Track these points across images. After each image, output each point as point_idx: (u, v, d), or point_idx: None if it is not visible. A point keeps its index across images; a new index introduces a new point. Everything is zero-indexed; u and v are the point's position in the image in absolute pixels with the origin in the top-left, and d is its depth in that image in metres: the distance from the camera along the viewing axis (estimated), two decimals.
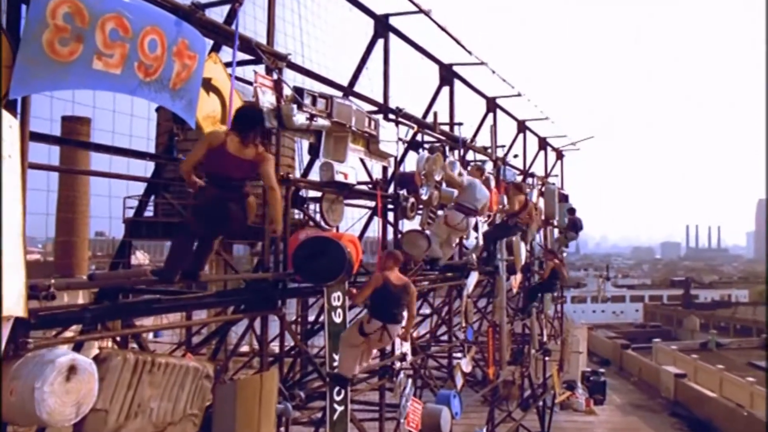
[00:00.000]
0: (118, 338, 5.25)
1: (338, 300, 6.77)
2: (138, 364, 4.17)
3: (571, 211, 16.46)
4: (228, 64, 5.71)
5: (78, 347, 4.54)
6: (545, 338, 16.03)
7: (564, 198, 16.92)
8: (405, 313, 6.53)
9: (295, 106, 5.88)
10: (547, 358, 16.57)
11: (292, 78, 6.32)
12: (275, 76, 5.91)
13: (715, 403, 22.46)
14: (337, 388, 6.63)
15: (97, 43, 3.94)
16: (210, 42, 5.49)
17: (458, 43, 9.36)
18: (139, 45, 4.24)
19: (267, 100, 5.70)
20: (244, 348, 11.52)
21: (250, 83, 6.11)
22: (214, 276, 7.02)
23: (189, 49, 4.71)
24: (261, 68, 5.96)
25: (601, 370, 26.41)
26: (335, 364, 6.68)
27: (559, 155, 18.86)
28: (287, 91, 5.94)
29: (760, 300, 67.48)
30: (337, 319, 6.78)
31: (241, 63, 6.10)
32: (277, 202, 4.86)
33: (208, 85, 5.23)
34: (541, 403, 16.47)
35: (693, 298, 70.63)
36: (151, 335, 12.88)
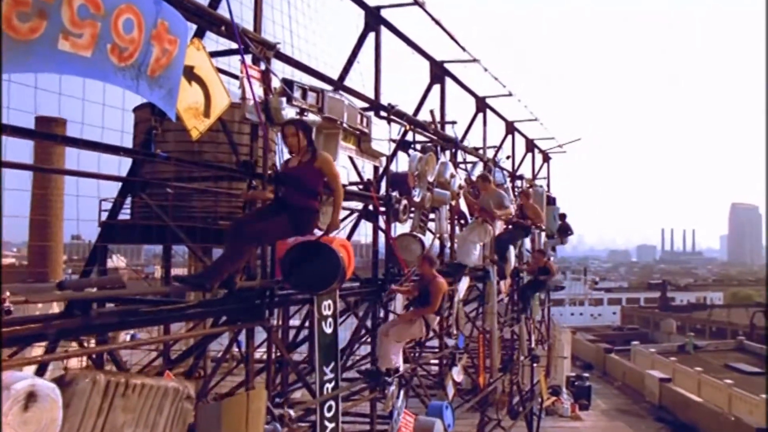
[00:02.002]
0: (90, 356, 4.72)
1: (329, 309, 6.30)
2: (109, 386, 3.67)
3: (562, 216, 16.23)
4: (215, 54, 5.26)
5: (43, 368, 4.02)
6: (533, 344, 15.73)
7: (551, 201, 16.66)
8: None
9: (284, 99, 5.42)
10: (535, 365, 16.28)
11: (280, 69, 5.86)
12: (263, 67, 5.44)
13: (701, 408, 22.39)
14: (328, 404, 6.17)
15: (64, 20, 3.43)
16: (193, 27, 5.03)
17: (452, 37, 8.97)
18: (113, 25, 3.74)
19: (254, 91, 5.23)
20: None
21: (235, 77, 5.65)
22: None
23: (169, 32, 4.22)
24: (247, 58, 5.49)
25: (586, 374, 26.24)
26: (326, 377, 6.22)
27: (546, 157, 18.62)
28: (276, 83, 5.48)
29: (735, 302, 68.46)
30: (328, 330, 6.30)
31: (225, 53, 5.63)
32: (340, 200, 5.35)
33: (191, 74, 4.73)
34: (529, 410, 16.16)
35: (669, 301, 71.26)
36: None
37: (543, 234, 16.48)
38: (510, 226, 11.21)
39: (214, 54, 5.38)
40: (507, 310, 13.71)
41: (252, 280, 5.18)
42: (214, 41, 5.20)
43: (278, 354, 6.59)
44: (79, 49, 3.58)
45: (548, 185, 18.37)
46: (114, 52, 3.80)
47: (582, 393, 22.55)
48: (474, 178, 10.80)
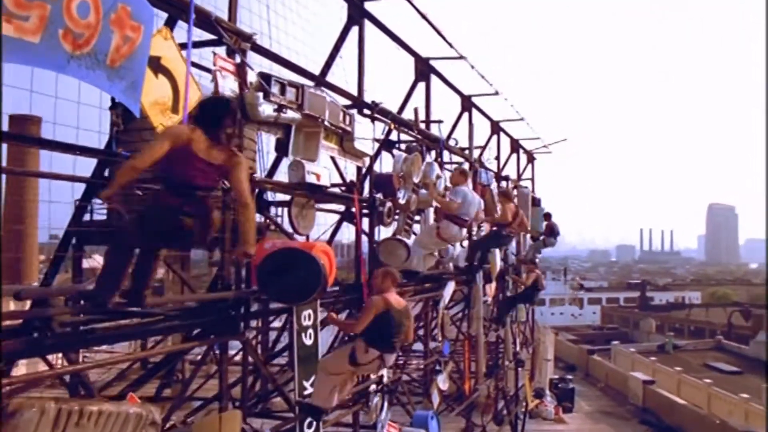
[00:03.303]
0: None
1: (309, 319, 5.92)
2: (61, 415, 3.25)
3: (547, 216, 15.92)
4: (184, 45, 4.83)
5: None
6: (518, 347, 15.47)
7: (536, 202, 16.40)
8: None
9: (260, 95, 5.03)
10: (520, 369, 16.02)
11: (257, 62, 5.45)
12: (238, 59, 5.03)
13: (685, 410, 22.32)
14: (308, 420, 5.78)
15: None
16: (162, 16, 4.61)
17: (438, 33, 8.62)
18: (65, 7, 3.33)
19: (228, 86, 4.83)
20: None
21: (208, 70, 5.23)
22: (164, 298, 6.04)
23: (132, 18, 3.81)
24: (222, 50, 5.09)
25: (569, 376, 26.09)
26: (306, 392, 5.83)
27: (531, 158, 18.37)
28: (252, 77, 5.08)
29: (713, 302, 69.28)
30: (308, 341, 5.92)
31: (197, 44, 5.21)
32: (250, 221, 3.99)
33: (157, 65, 4.32)
34: (514, 415, 15.90)
35: (648, 301, 71.85)
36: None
37: (528, 236, 16.23)
38: (494, 229, 10.63)
39: (185, 46, 4.98)
40: (492, 314, 13.40)
41: (226, 290, 4.77)
42: (184, 30, 4.78)
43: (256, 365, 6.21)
44: (25, 33, 3.16)
45: (533, 186, 18.13)
46: (67, 38, 3.39)
47: (565, 395, 22.34)
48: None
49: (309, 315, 5.91)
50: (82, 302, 3.85)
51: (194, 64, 5.30)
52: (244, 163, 4.03)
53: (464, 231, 8.57)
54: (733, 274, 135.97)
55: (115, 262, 3.82)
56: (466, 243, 10.77)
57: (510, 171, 16.23)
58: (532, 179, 18.46)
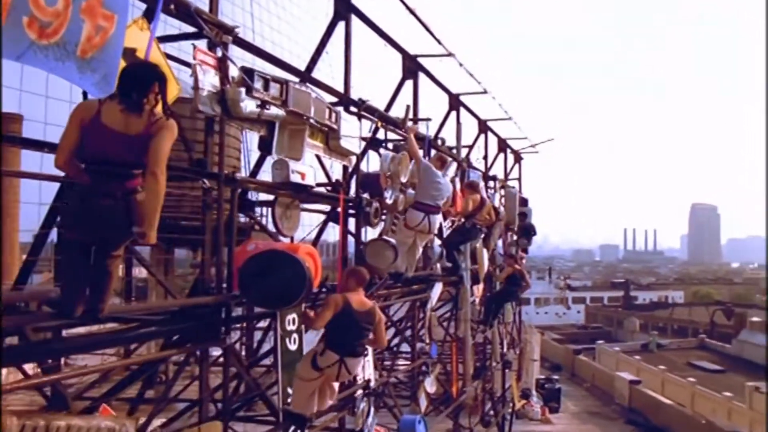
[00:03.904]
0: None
1: (293, 324, 5.72)
2: None
3: (522, 215, 15.64)
4: (164, 38, 4.62)
5: None
6: (505, 348, 15.34)
7: (524, 202, 16.28)
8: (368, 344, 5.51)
9: (243, 90, 4.80)
10: (507, 371, 15.90)
11: (239, 57, 5.23)
12: (219, 53, 4.81)
13: (672, 410, 22.40)
14: (292, 428, 5.58)
15: None
16: (140, 6, 4.38)
17: (426, 28, 8.45)
18: None
19: (209, 81, 4.61)
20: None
21: (187, 64, 5.01)
22: (141, 304, 5.81)
23: (104, 6, 3.60)
24: (202, 43, 4.87)
25: (555, 376, 26.06)
26: (290, 399, 5.63)
27: (518, 158, 18.27)
28: (234, 72, 4.86)
29: (695, 300, 69.89)
30: (292, 347, 5.72)
31: (177, 37, 4.99)
32: (157, 198, 3.37)
33: (133, 58, 4.10)
34: (501, 417, 15.79)
35: (632, 300, 72.34)
36: None
37: (515, 236, 16.11)
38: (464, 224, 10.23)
39: (163, 39, 4.76)
40: (479, 315, 13.25)
41: (206, 295, 4.56)
42: (163, 22, 4.56)
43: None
44: None
45: (520, 186, 18.02)
46: (32, 27, 3.16)
47: (552, 395, 22.26)
48: (448, 178, 10.24)
49: (293, 319, 5.71)
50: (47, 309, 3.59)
51: (173, 58, 5.10)
52: (171, 129, 3.45)
53: (434, 219, 7.95)
54: (715, 273, 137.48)
55: (65, 264, 3.49)
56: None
57: (497, 171, 16.12)
58: (519, 179, 18.37)
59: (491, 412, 15.22)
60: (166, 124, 3.44)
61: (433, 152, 9.57)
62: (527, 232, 16.18)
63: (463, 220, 10.08)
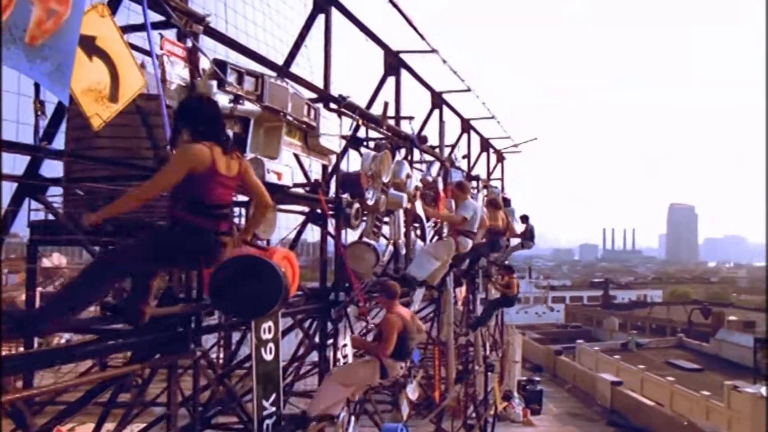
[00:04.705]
0: None
1: (269, 332, 5.40)
2: None
3: (524, 218, 15.53)
4: (129, 28, 4.28)
5: None
6: (488, 351, 15.16)
7: (507, 203, 16.08)
8: None
9: (214, 84, 4.47)
10: (490, 374, 15.71)
11: (211, 48, 4.90)
12: (189, 44, 4.48)
13: (653, 412, 22.41)
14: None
15: None
16: None
17: (409, 23, 8.17)
18: None
19: (176, 73, 4.27)
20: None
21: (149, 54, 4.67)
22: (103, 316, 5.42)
23: None
24: (171, 33, 4.53)
25: (537, 378, 25.99)
26: (266, 412, 5.32)
27: (500, 157, 18.10)
28: (205, 64, 4.53)
29: (673, 300, 70.61)
30: (268, 356, 5.39)
31: (142, 27, 4.64)
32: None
33: (92, 47, 3.74)
34: (483, 420, 15.60)
35: (611, 299, 72.84)
36: None
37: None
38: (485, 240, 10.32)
39: (127, 29, 4.40)
40: (463, 319, 13.03)
41: (173, 305, 4.22)
42: (127, 8, 4.22)
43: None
44: None
45: (502, 186, 17.85)
46: None
47: (533, 397, 22.19)
48: (430, 178, 10.01)
49: (269, 328, 5.39)
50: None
51: (138, 48, 4.74)
52: (246, 160, 3.83)
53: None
54: (692, 272, 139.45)
55: (141, 276, 3.67)
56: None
57: (480, 170, 15.92)
58: (502, 179, 18.21)
59: (473, 416, 15.03)
60: (245, 160, 3.80)
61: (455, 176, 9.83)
62: (531, 235, 15.97)
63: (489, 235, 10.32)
